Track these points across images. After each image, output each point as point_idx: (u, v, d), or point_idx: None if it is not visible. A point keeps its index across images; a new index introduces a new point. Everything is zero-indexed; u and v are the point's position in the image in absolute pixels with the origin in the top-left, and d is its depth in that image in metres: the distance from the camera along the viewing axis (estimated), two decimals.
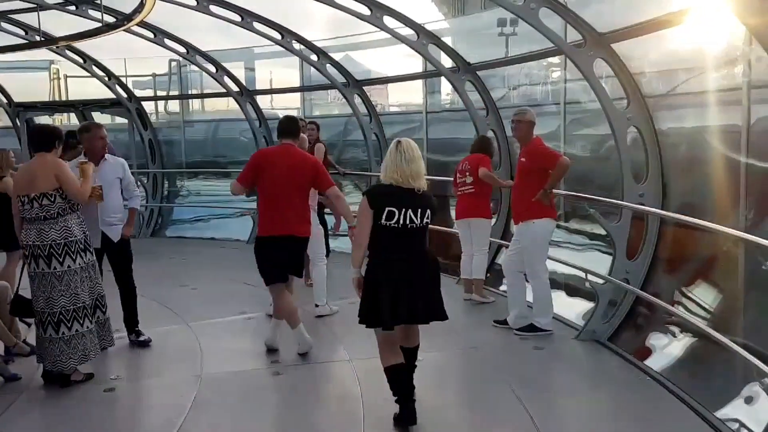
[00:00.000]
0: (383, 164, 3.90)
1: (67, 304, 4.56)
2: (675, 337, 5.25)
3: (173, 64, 12.86)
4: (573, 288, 6.54)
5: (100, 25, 8.47)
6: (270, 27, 8.71)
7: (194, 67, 12.80)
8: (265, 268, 5.09)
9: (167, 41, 9.91)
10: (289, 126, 5.23)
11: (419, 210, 3.81)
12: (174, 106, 13.66)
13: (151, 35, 9.71)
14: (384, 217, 3.75)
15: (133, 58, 12.17)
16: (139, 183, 11.94)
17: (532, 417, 4.10)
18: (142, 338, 5.51)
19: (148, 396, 4.73)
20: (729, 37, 4.82)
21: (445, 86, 11.04)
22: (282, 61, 12.05)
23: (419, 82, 10.02)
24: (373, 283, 3.83)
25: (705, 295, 5.29)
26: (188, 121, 13.39)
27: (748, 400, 4.28)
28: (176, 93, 13.18)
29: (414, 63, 9.36)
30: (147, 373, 5.11)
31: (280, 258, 5.05)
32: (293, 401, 4.48)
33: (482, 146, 6.66)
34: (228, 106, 12.90)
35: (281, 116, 12.55)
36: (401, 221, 3.76)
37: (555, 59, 8.02)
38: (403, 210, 3.76)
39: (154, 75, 13.41)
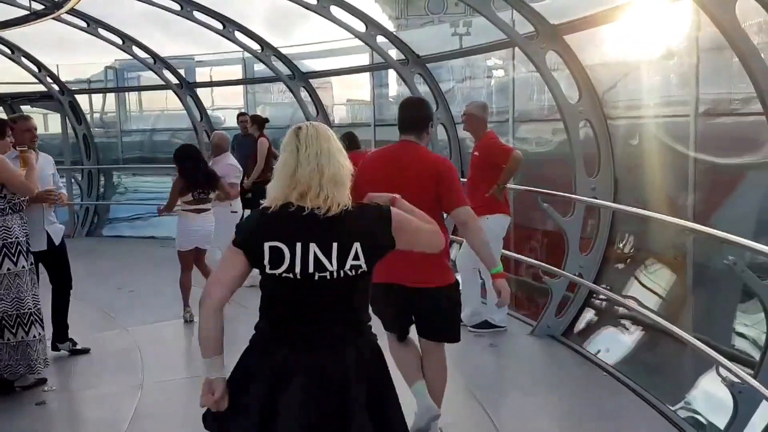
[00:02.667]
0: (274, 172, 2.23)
1: (9, 308, 4.23)
2: (628, 330, 5.27)
3: (110, 71, 12.41)
4: (526, 284, 6.52)
5: (27, 12, 8.00)
6: (210, 16, 8.37)
7: (131, 74, 12.40)
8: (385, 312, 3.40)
9: (101, 31, 9.42)
10: (409, 113, 3.46)
11: (334, 244, 2.10)
12: (110, 103, 13.17)
13: (84, 24, 9.21)
14: (267, 260, 2.10)
15: (66, 65, 11.66)
16: (72, 180, 11.56)
17: (490, 415, 4.03)
18: (78, 347, 5.15)
19: (84, 409, 4.42)
20: (678, 26, 4.84)
21: (393, 87, 11.04)
22: (223, 69, 11.80)
23: (366, 80, 9.91)
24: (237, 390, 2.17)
25: (656, 287, 5.33)
26: (126, 130, 13.06)
27: (701, 391, 4.32)
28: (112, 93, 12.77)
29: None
30: (82, 383, 4.77)
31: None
32: None
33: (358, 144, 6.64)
34: (167, 104, 12.55)
35: (221, 116, 12.15)
36: (298, 267, 2.09)
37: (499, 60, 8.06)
38: (300, 246, 2.08)
39: (89, 81, 12.84)
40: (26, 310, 4.31)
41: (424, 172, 3.31)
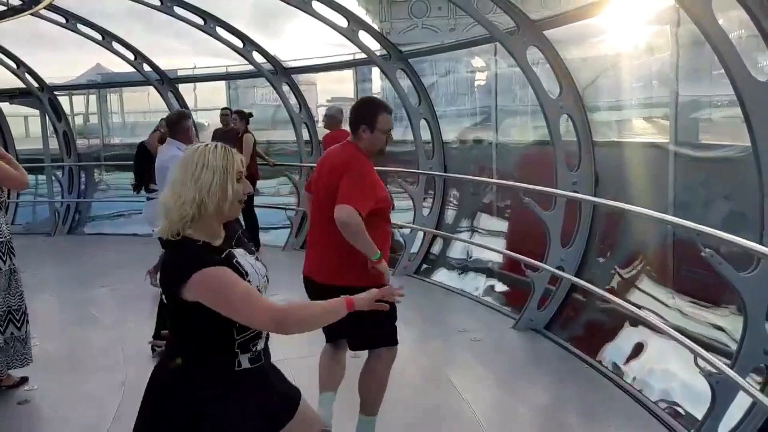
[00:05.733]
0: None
1: None
2: (609, 322, 5.31)
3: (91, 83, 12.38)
4: (508, 277, 6.55)
5: (5, 8, 7.89)
6: (191, 12, 8.30)
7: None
8: None
9: (81, 27, 9.31)
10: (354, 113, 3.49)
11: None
12: (92, 106, 13.09)
13: (62, 20, 9.10)
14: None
15: (50, 77, 11.49)
16: (53, 177, 11.43)
17: (472, 407, 4.06)
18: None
19: (67, 407, 4.36)
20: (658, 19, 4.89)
21: (376, 84, 11.06)
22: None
23: (350, 77, 9.91)
24: None
25: (638, 279, 5.38)
26: (108, 145, 13.03)
27: (680, 381, 4.38)
28: (94, 93, 12.73)
29: None
30: (65, 382, 4.72)
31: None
32: None
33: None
34: (149, 105, 12.47)
35: (205, 122, 12.24)
36: None
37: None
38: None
39: (70, 94, 12.71)
40: (5, 309, 4.26)
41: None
